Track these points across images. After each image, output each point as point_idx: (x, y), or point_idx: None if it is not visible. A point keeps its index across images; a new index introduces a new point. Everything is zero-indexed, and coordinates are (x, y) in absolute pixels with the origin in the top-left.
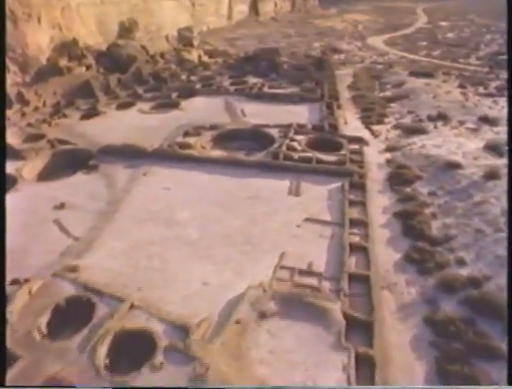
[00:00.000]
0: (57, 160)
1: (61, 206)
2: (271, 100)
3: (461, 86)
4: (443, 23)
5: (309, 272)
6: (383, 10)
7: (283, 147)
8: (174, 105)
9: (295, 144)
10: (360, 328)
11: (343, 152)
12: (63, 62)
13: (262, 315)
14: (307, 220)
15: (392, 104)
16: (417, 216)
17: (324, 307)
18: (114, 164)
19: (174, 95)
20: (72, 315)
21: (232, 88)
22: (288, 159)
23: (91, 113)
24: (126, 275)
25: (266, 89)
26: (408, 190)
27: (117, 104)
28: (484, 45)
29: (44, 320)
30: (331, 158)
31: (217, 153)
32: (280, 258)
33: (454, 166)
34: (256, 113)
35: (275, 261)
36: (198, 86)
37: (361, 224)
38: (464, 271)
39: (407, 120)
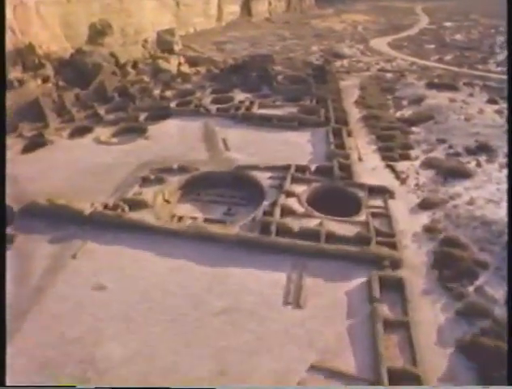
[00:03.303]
0: None
1: None
2: (262, 125)
3: (491, 101)
4: (447, 24)
5: None
6: (381, 10)
7: (277, 210)
8: (140, 131)
9: (293, 203)
10: None
11: (362, 218)
12: (15, 74)
13: None
14: (315, 369)
15: (414, 129)
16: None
17: None
18: (37, 235)
19: (142, 116)
20: None
21: (213, 108)
22: (283, 232)
23: (35, 143)
24: None
25: (255, 109)
26: (470, 289)
27: (70, 130)
28: (498, 48)
29: None
30: (347, 228)
31: (185, 209)
32: None
33: None
34: (242, 145)
35: None
36: (173, 104)
37: (410, 378)
38: None
39: (439, 153)
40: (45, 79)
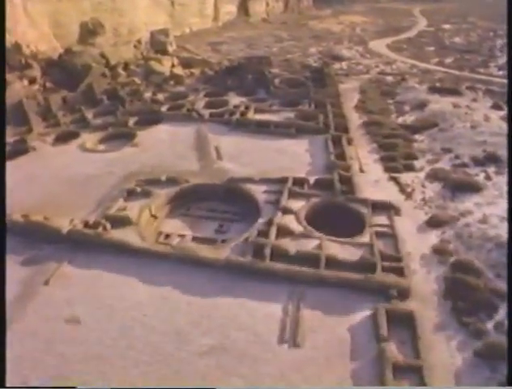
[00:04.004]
0: None
1: None
2: (258, 132)
3: (496, 106)
4: (446, 26)
5: None
6: (379, 12)
7: (273, 230)
8: (128, 137)
9: (290, 221)
10: None
11: (366, 238)
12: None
13: None
14: None
15: (418, 137)
16: None
17: None
18: (9, 255)
19: (132, 121)
20: None
21: (207, 112)
22: (279, 256)
23: (17, 150)
24: None
25: (251, 114)
26: (489, 326)
27: (55, 136)
28: (499, 52)
29: None
30: (349, 251)
31: (173, 226)
32: None
33: None
34: (236, 154)
35: None
36: (165, 108)
37: None
38: None
39: (445, 163)
40: (32, 80)
